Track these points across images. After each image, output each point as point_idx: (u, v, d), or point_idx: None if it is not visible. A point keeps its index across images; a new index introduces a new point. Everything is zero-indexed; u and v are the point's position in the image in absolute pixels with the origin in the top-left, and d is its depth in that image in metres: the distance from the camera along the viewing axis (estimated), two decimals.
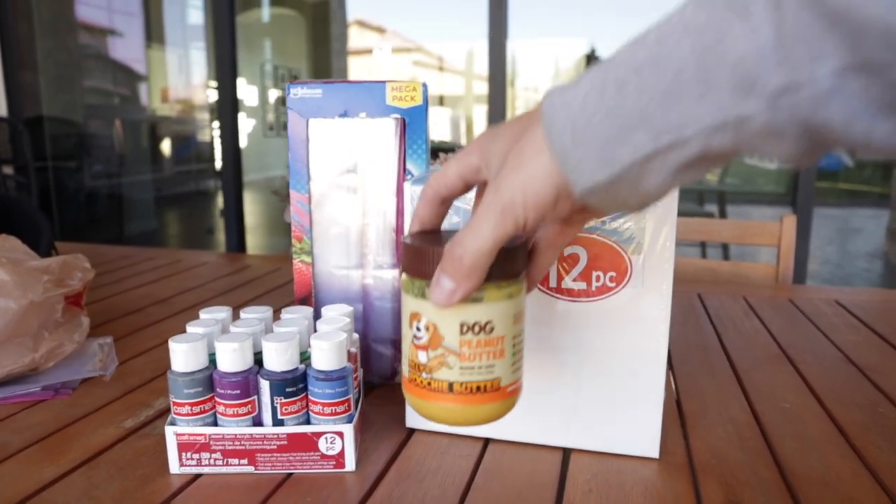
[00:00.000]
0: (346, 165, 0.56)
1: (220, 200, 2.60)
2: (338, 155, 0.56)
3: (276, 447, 0.45)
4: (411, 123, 0.55)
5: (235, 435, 0.45)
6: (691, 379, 0.63)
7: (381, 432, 0.51)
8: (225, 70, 2.40)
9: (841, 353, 0.71)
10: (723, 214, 3.65)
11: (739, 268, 1.19)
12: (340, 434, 0.45)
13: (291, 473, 0.45)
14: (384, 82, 0.55)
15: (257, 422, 0.45)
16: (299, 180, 0.57)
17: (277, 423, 0.45)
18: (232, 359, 0.44)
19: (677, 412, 0.56)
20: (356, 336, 0.51)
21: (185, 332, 0.47)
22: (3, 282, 0.59)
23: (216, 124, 2.56)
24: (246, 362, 0.44)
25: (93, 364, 0.65)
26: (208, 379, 0.45)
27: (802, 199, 2.03)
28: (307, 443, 0.45)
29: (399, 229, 0.56)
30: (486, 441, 0.50)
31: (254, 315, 0.50)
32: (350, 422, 0.45)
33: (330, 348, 0.44)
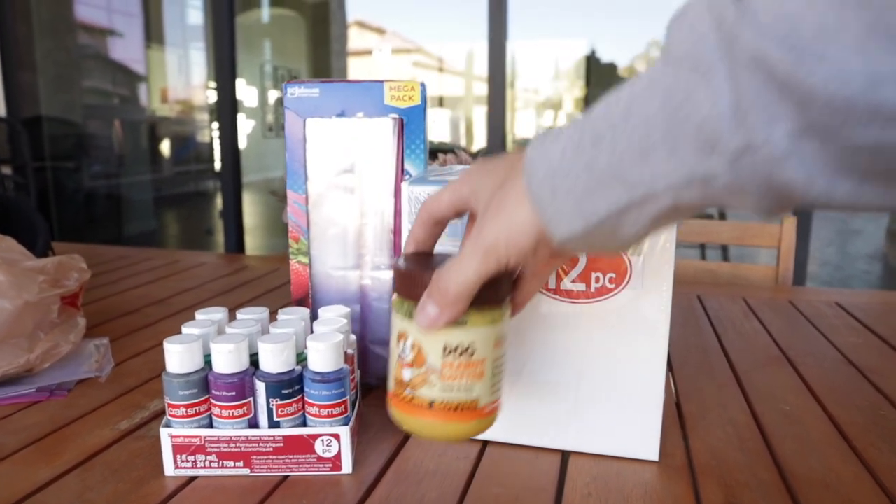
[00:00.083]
0: (344, 165, 0.56)
1: (219, 201, 2.59)
2: (335, 155, 0.56)
3: (271, 449, 0.44)
4: (409, 123, 0.55)
5: (231, 437, 0.44)
6: (691, 381, 0.63)
7: (378, 434, 0.51)
8: (224, 71, 2.40)
9: (841, 354, 0.71)
10: (722, 216, 3.65)
11: (739, 269, 1.19)
12: (337, 436, 0.45)
13: (287, 476, 0.45)
14: (382, 82, 0.54)
15: (253, 424, 0.45)
16: (296, 180, 0.57)
17: (273, 425, 0.44)
18: (227, 360, 0.43)
19: (677, 414, 0.56)
20: (353, 337, 0.51)
21: (180, 333, 0.46)
22: None
23: (215, 125, 2.55)
24: (242, 364, 0.44)
25: (88, 365, 0.64)
26: (204, 380, 0.44)
27: None
28: (303, 445, 0.45)
29: (397, 230, 0.56)
30: (485, 443, 0.50)
31: (250, 316, 0.50)
32: (347, 424, 0.45)
33: (326, 349, 0.44)
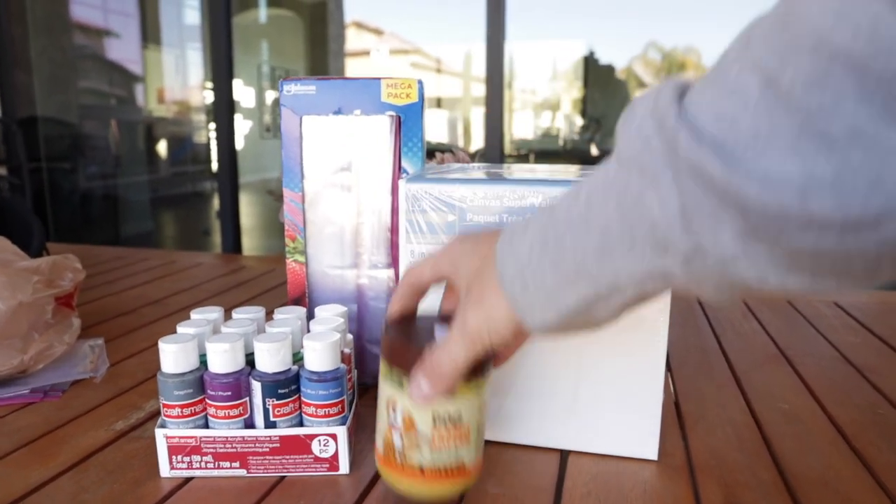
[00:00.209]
0: (341, 163, 0.56)
1: (216, 202, 2.58)
2: (332, 153, 0.56)
3: (268, 450, 0.44)
4: (406, 121, 0.54)
5: (227, 437, 0.44)
6: (690, 381, 0.63)
7: (375, 434, 0.50)
8: (221, 71, 2.39)
9: (839, 354, 0.71)
10: None
11: None
12: (334, 436, 0.44)
13: (284, 476, 0.45)
14: (379, 79, 0.54)
15: (249, 424, 0.44)
16: (293, 178, 0.57)
17: (270, 425, 0.44)
18: (223, 360, 0.43)
19: (676, 414, 0.55)
20: (350, 337, 0.50)
21: (176, 332, 0.46)
22: None
23: (212, 125, 2.55)
24: (237, 363, 0.44)
25: (83, 366, 0.64)
26: (199, 380, 0.44)
27: None
28: (300, 445, 0.44)
29: (394, 228, 0.56)
30: (484, 443, 0.49)
31: (246, 315, 0.49)
32: (344, 424, 0.45)
33: (323, 349, 0.43)
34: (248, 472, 0.44)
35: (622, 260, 0.27)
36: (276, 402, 0.44)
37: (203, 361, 0.45)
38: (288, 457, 0.44)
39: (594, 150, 4.20)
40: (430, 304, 0.48)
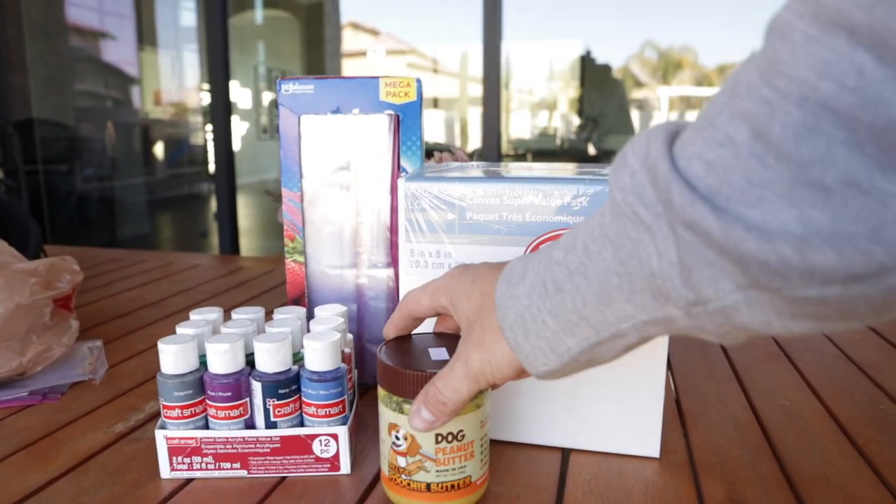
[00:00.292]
0: (339, 163, 0.55)
1: (213, 204, 2.58)
2: (330, 152, 0.55)
3: (269, 450, 0.44)
4: (405, 119, 0.54)
5: (227, 438, 0.44)
6: (691, 378, 0.63)
7: (376, 434, 0.50)
8: (218, 72, 2.39)
9: (840, 350, 0.71)
10: None
11: None
12: (335, 436, 0.44)
13: (285, 477, 0.44)
14: (377, 78, 0.54)
15: (250, 424, 0.44)
16: (291, 178, 0.56)
17: (270, 425, 0.44)
18: (223, 360, 0.43)
19: (677, 411, 0.55)
20: (350, 336, 0.50)
21: (175, 333, 0.46)
22: None
23: (209, 127, 2.54)
24: (237, 363, 0.43)
25: (82, 368, 0.64)
26: (199, 381, 0.44)
27: None
28: (301, 445, 0.44)
29: (394, 227, 0.56)
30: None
31: (245, 316, 0.49)
32: (345, 423, 0.44)
33: (323, 348, 0.43)
34: (248, 473, 0.44)
35: (623, 308, 0.27)
36: (276, 402, 0.43)
37: (203, 362, 0.45)
38: (289, 457, 0.44)
39: (591, 150, 4.21)
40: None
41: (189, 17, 4.61)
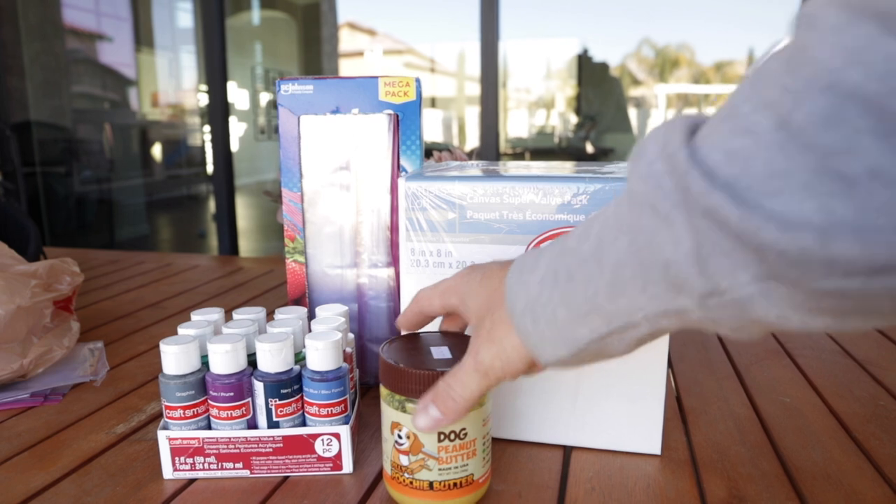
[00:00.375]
0: (339, 162, 0.56)
1: (211, 205, 2.58)
2: (330, 152, 0.55)
3: (271, 450, 0.44)
4: (405, 119, 0.54)
5: (230, 438, 0.44)
6: (691, 376, 0.63)
7: (378, 433, 0.50)
8: (215, 73, 2.39)
9: (839, 347, 0.71)
10: None
11: None
12: (337, 436, 0.44)
13: (288, 477, 0.45)
14: (376, 78, 0.54)
15: (252, 424, 0.44)
16: (291, 178, 0.56)
17: (272, 425, 0.44)
18: (225, 360, 0.43)
19: (678, 409, 0.56)
20: (351, 336, 0.50)
21: (176, 334, 0.46)
22: None
23: (207, 128, 2.54)
24: (239, 364, 0.43)
25: (83, 369, 0.64)
26: (201, 382, 0.44)
27: None
28: (303, 445, 0.44)
29: (394, 227, 0.56)
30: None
31: (247, 316, 0.49)
32: (347, 423, 0.45)
33: (325, 348, 0.43)
34: (251, 473, 0.44)
35: (637, 297, 0.27)
36: (278, 402, 0.43)
37: (205, 362, 0.45)
38: (291, 457, 0.44)
39: (589, 148, 4.21)
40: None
41: (186, 18, 4.61)
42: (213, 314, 0.49)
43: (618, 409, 0.47)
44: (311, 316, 0.57)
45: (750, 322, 0.24)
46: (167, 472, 0.44)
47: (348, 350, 0.47)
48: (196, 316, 0.49)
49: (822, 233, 0.20)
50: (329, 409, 0.44)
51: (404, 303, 0.48)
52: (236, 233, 2.53)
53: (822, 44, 0.20)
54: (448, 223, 0.46)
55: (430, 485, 0.39)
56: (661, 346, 0.45)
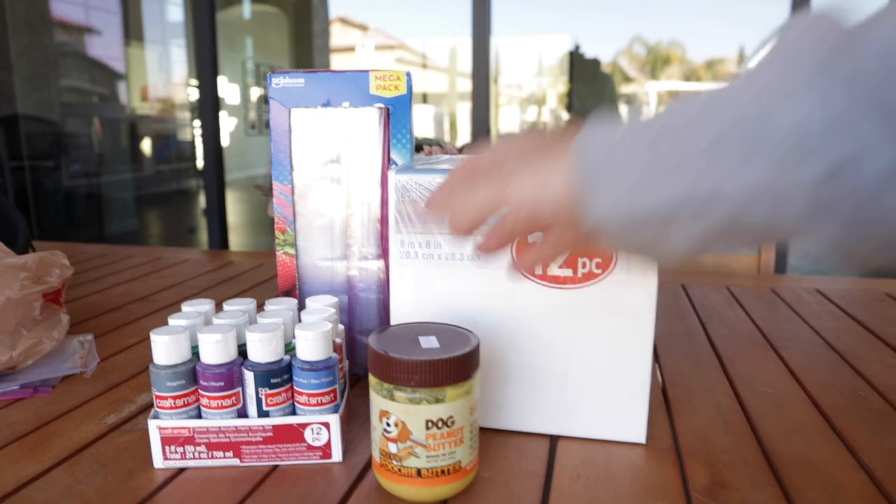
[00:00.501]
0: (330, 156, 0.56)
1: (201, 200, 2.57)
2: (321, 145, 0.56)
3: (261, 439, 0.44)
4: (395, 113, 0.55)
5: (220, 427, 0.44)
6: (676, 367, 0.64)
7: (367, 423, 0.51)
8: (205, 68, 2.38)
9: (822, 339, 0.72)
10: None
11: (723, 259, 1.20)
12: (327, 425, 0.45)
13: (277, 465, 0.45)
14: (367, 72, 0.54)
15: (242, 414, 0.45)
16: (282, 171, 0.57)
17: (262, 414, 0.44)
18: (215, 350, 0.43)
19: (663, 399, 0.56)
20: (341, 327, 0.51)
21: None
22: None
23: (197, 123, 2.53)
24: (230, 354, 0.44)
25: (73, 361, 0.64)
26: (191, 371, 0.44)
27: None
28: (293, 434, 0.45)
29: (384, 219, 0.56)
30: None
31: (237, 307, 0.49)
32: (336, 412, 0.45)
33: (315, 338, 0.44)
34: (241, 462, 0.45)
35: (737, 166, 0.23)
36: (268, 391, 0.44)
37: (195, 353, 0.45)
38: (281, 446, 0.45)
39: None
40: (409, 312, 0.48)
41: (176, 12, 4.57)
42: (204, 305, 0.50)
43: (604, 399, 0.47)
44: (302, 307, 0.57)
45: (861, 224, 0.22)
46: (158, 461, 0.45)
47: (338, 341, 0.48)
48: (187, 307, 0.49)
49: None
50: (319, 399, 0.44)
51: (394, 295, 0.49)
52: (226, 228, 2.53)
53: None
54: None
55: (418, 472, 0.39)
56: (646, 335, 0.46)
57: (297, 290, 0.59)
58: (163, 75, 4.62)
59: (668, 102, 0.27)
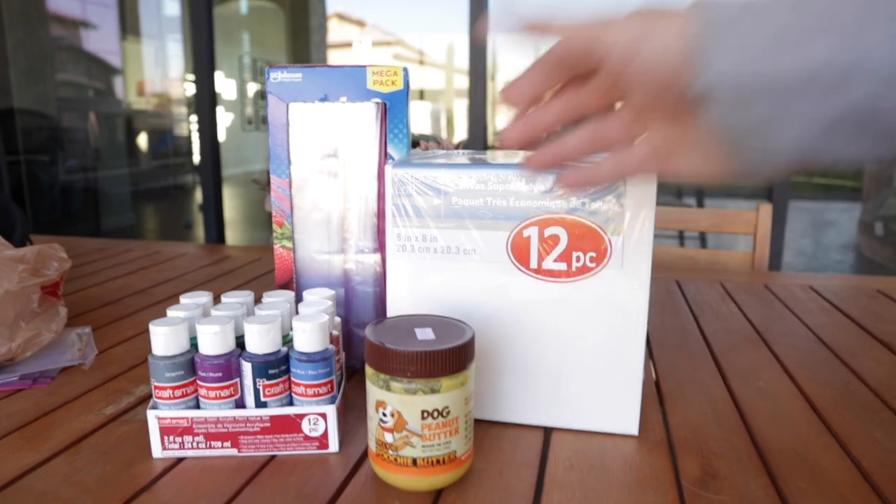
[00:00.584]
0: (327, 150, 0.56)
1: (198, 195, 2.57)
2: (318, 139, 0.56)
3: (259, 429, 0.45)
4: (392, 108, 0.55)
5: (218, 418, 0.45)
6: (670, 361, 0.65)
7: (363, 415, 0.51)
8: (202, 63, 2.37)
9: (814, 335, 0.73)
10: (700, 204, 3.70)
11: (717, 255, 1.21)
12: (324, 415, 0.45)
13: (275, 455, 0.46)
14: (364, 66, 0.55)
15: (240, 404, 0.45)
16: (280, 165, 0.57)
17: (260, 405, 0.45)
18: (213, 341, 0.44)
19: (656, 392, 0.57)
20: (338, 319, 0.51)
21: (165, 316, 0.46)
22: None
23: (194, 118, 2.52)
24: (228, 345, 0.44)
25: (72, 353, 0.64)
26: (190, 362, 0.45)
27: (778, 192, 2.07)
28: (290, 424, 0.45)
29: (380, 213, 0.57)
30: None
31: (235, 299, 0.50)
32: (333, 403, 0.46)
33: (312, 329, 0.44)
34: (239, 452, 0.45)
35: (888, 37, 0.20)
36: (266, 382, 0.44)
37: (194, 344, 0.46)
38: (278, 436, 0.45)
39: None
40: (405, 305, 0.49)
41: (173, 6, 4.56)
42: (203, 297, 0.50)
43: (597, 391, 0.48)
44: (299, 300, 0.58)
45: None
46: (156, 451, 0.45)
47: (335, 333, 0.48)
48: (185, 299, 0.50)
49: None
50: (316, 390, 0.45)
51: (390, 288, 0.49)
52: (223, 223, 2.53)
53: None
54: (433, 209, 0.47)
55: (414, 461, 0.40)
56: (639, 328, 0.46)
57: (294, 283, 0.59)
58: (159, 70, 4.61)
59: None
